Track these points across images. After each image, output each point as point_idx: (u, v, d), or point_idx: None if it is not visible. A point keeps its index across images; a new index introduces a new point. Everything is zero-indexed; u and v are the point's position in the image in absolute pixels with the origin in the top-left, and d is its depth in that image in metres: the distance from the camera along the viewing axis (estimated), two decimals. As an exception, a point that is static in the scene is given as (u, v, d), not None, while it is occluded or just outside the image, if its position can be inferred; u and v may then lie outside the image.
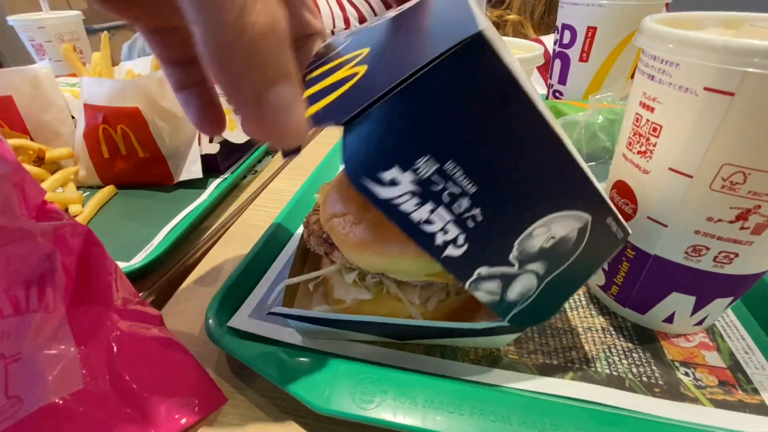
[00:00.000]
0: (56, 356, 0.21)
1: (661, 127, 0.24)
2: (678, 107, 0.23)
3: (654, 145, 0.25)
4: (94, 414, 0.21)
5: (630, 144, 0.27)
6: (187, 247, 0.42)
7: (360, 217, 0.26)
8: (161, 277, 0.38)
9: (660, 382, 0.26)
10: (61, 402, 0.21)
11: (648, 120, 0.25)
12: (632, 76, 0.53)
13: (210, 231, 0.44)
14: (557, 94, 0.62)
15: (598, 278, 0.32)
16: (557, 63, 0.60)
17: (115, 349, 0.23)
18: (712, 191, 0.23)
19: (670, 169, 0.24)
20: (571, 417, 0.22)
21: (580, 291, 0.34)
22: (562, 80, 0.60)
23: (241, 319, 0.30)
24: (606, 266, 0.31)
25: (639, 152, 0.26)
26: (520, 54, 0.45)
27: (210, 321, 0.28)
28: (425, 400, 0.22)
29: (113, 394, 0.22)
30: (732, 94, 0.20)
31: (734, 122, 0.20)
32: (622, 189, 0.28)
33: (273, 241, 0.37)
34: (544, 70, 0.70)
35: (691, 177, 0.23)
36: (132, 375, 0.23)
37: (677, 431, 0.21)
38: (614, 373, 0.27)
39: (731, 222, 0.23)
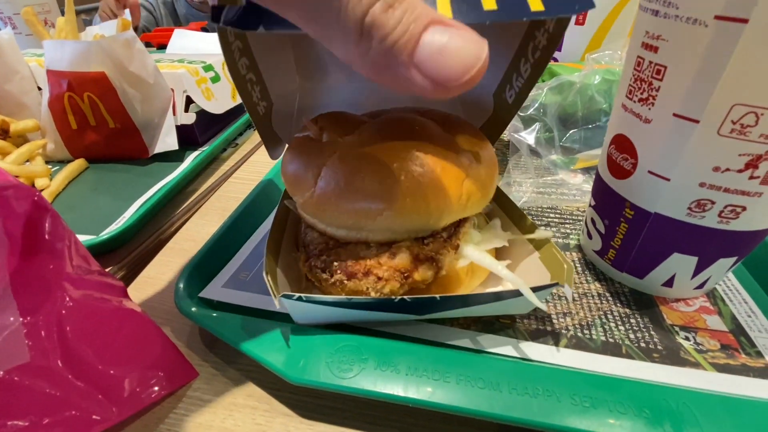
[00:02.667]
0: (-3, 327, 0.19)
1: (665, 68, 0.22)
2: (684, 43, 0.20)
3: (657, 90, 0.22)
4: (42, 389, 0.19)
5: (630, 92, 0.24)
6: (162, 221, 0.40)
7: (319, 172, 0.24)
8: (133, 250, 0.36)
9: (659, 348, 0.25)
10: (3, 375, 0.19)
11: (651, 62, 0.22)
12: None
13: (186, 204, 0.42)
14: (552, 61, 0.59)
15: (594, 243, 0.31)
16: (552, 27, 0.58)
17: (68, 320, 0.21)
18: (720, 137, 0.21)
19: (674, 115, 0.22)
20: (565, 383, 0.20)
21: (575, 257, 0.32)
22: (558, 46, 0.58)
23: (215, 290, 0.28)
24: (603, 230, 0.29)
25: (640, 100, 0.24)
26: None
27: (180, 290, 0.27)
28: (408, 368, 0.21)
29: (66, 369, 0.20)
30: (745, 21, 0.18)
31: (747, 53, 0.18)
32: (621, 143, 0.26)
33: (252, 212, 0.35)
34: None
35: (697, 122, 0.21)
36: (88, 348, 0.21)
37: (678, 395, 0.20)
38: (610, 339, 0.25)
39: (740, 171, 0.21)
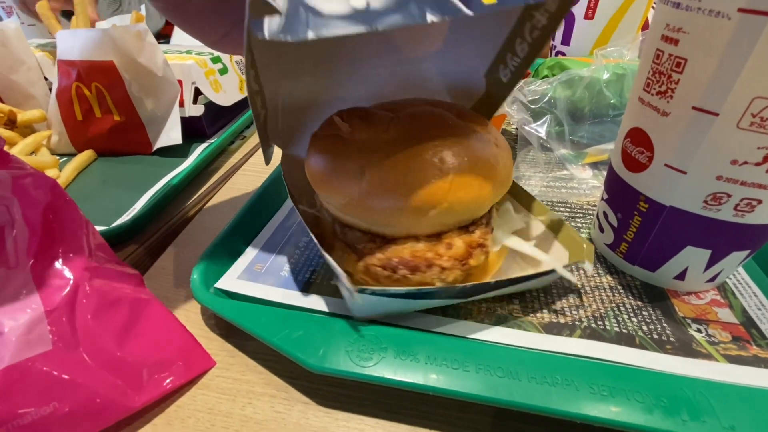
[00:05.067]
0: (20, 315, 0.19)
1: (685, 61, 0.22)
2: (706, 35, 0.20)
3: (676, 83, 0.22)
4: (65, 376, 0.19)
5: (648, 85, 0.24)
6: (172, 212, 0.40)
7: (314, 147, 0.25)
8: (144, 242, 0.36)
9: (672, 339, 0.25)
10: (28, 364, 0.19)
11: (671, 55, 0.22)
12: (642, 29, 0.51)
13: (195, 196, 0.42)
14: (560, 56, 0.59)
15: (605, 236, 0.31)
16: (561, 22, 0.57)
17: (88, 308, 0.21)
18: (739, 130, 0.21)
19: (694, 108, 0.22)
20: (583, 372, 0.20)
21: (587, 250, 0.32)
22: (566, 40, 0.58)
23: (231, 281, 0.28)
24: (615, 223, 0.29)
25: (658, 93, 0.24)
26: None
27: (196, 280, 0.27)
28: (428, 357, 0.21)
29: (87, 356, 0.20)
30: (771, 14, 0.18)
31: (771, 47, 0.18)
32: (638, 137, 0.26)
33: (262, 205, 0.35)
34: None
35: (716, 115, 0.21)
36: (108, 336, 0.21)
37: (694, 385, 0.20)
38: (624, 330, 0.26)
39: (757, 164, 0.21)
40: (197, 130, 0.49)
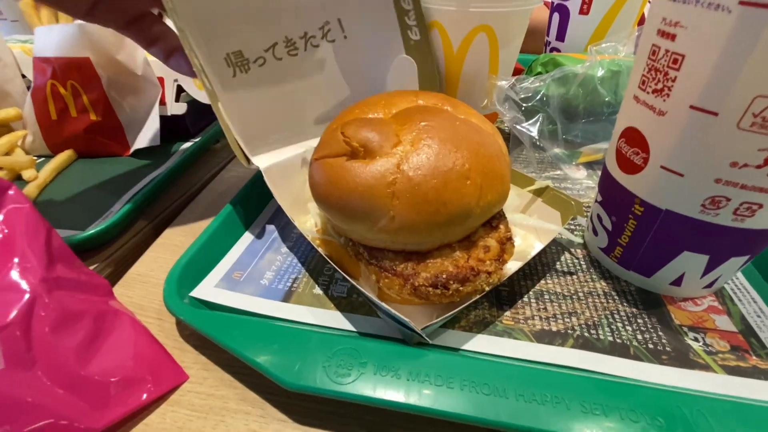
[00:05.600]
0: (-31, 331, 0.18)
1: (682, 57, 0.20)
2: (705, 30, 0.19)
3: (673, 80, 0.21)
4: (18, 397, 0.18)
5: (644, 83, 0.23)
6: (152, 215, 0.38)
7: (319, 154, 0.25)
8: (122, 246, 0.34)
9: (668, 349, 0.24)
10: (-23, 384, 0.17)
11: (667, 51, 0.21)
12: (638, 24, 0.50)
13: (177, 198, 0.41)
14: (555, 53, 0.58)
15: (599, 240, 0.30)
16: (555, 17, 0.56)
17: (46, 323, 0.20)
18: (740, 131, 0.19)
19: (692, 107, 0.21)
20: (575, 388, 0.19)
21: (580, 254, 0.31)
22: (561, 36, 0.56)
23: (206, 289, 0.27)
24: (610, 226, 0.28)
25: (654, 91, 0.22)
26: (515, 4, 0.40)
27: (170, 289, 0.25)
28: (410, 373, 0.20)
29: (44, 375, 0.19)
30: (774, 7, 0.17)
31: (775, 42, 0.17)
32: (633, 137, 0.25)
33: (245, 207, 0.34)
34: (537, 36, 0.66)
35: (715, 114, 0.20)
36: (69, 352, 0.20)
37: (691, 402, 0.19)
38: (618, 340, 0.25)
39: (758, 167, 0.20)
40: (180, 129, 0.47)
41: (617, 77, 0.39)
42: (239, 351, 0.21)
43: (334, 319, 0.25)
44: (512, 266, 0.26)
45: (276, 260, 0.30)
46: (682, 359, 0.24)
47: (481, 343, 0.24)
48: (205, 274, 0.28)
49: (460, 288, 0.22)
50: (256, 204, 0.35)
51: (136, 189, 0.39)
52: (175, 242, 0.34)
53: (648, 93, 0.23)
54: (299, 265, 0.30)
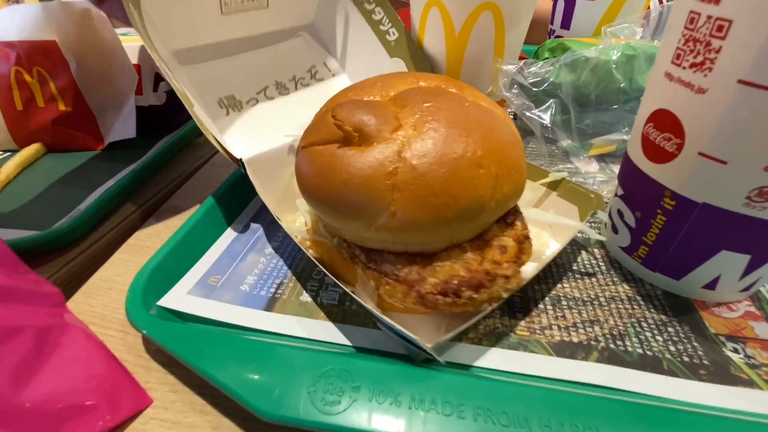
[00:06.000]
0: None
1: (729, 23, 0.17)
2: (762, -12, 0.16)
3: (717, 51, 0.18)
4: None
5: (678, 57, 0.20)
6: (123, 214, 0.35)
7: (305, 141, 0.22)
8: (87, 248, 0.31)
9: (705, 362, 0.21)
10: None
11: (709, 17, 0.18)
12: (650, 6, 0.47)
13: (152, 195, 0.37)
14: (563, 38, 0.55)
15: (620, 238, 0.27)
16: (560, 3, 0.53)
17: (-26, 341, 0.16)
18: (801, 108, 0.16)
19: (740, 81, 0.18)
20: (609, 416, 0.16)
21: (598, 255, 0.28)
22: (566, 24, 0.53)
23: (177, 297, 0.24)
24: (633, 223, 0.25)
25: (693, 65, 0.19)
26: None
27: (133, 299, 0.22)
28: (412, 399, 0.16)
29: (-34, 405, 0.15)
30: None
31: None
32: (664, 121, 0.22)
33: (227, 203, 0.31)
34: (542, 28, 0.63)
35: (770, 89, 0.17)
36: (4, 378, 0.17)
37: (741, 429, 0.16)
38: (648, 352, 0.22)
39: (820, 151, 0.17)
40: (161, 121, 0.44)
41: (632, 62, 0.36)
42: (208, 372, 0.18)
43: (324, 330, 0.22)
44: (527, 269, 0.23)
45: (259, 263, 0.27)
46: (723, 374, 0.21)
47: (493, 358, 0.21)
48: (177, 280, 0.25)
49: (474, 296, 0.19)
50: (240, 198, 0.32)
51: (107, 185, 0.36)
52: (148, 244, 0.30)
53: (684, 68, 0.20)
54: (285, 268, 0.26)
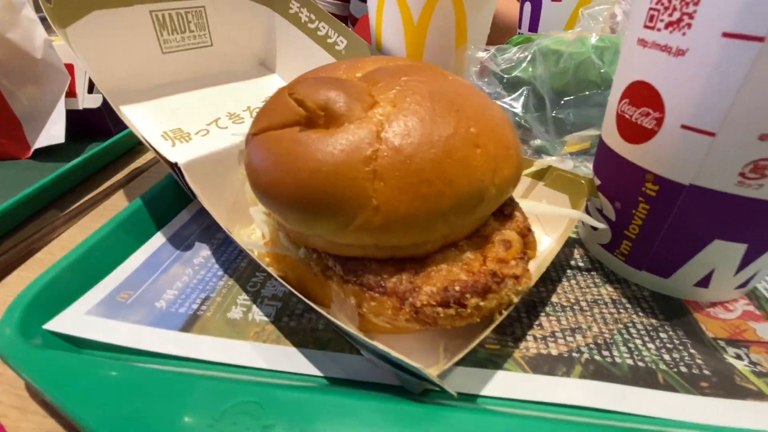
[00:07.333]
0: None
1: (708, -31, 0.15)
2: None
3: (696, 3, 0.16)
4: None
5: (652, 18, 0.18)
6: (41, 225, 0.30)
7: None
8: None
9: (706, 372, 0.18)
10: None
11: (685, -35, 0.16)
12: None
13: (78, 204, 0.33)
14: (531, 33, 0.54)
15: (600, 235, 0.24)
16: (527, 6, 0.52)
17: None
18: (798, 61, 0.14)
19: (725, 34, 0.15)
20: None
21: (577, 254, 0.25)
22: (533, 26, 0.52)
23: (73, 318, 0.19)
24: (613, 216, 0.22)
25: (669, 24, 0.17)
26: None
27: (9, 320, 0.17)
28: (341, 439, 0.12)
29: None
30: None
31: None
32: (640, 93, 0.19)
33: (158, 205, 0.27)
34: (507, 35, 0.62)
35: (761, 41, 0.14)
36: None
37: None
38: (640, 363, 0.18)
39: (823, 113, 0.15)
40: (98, 126, 0.40)
41: (611, 52, 0.34)
42: (74, 411, 0.13)
43: (251, 354, 0.18)
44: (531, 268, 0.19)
45: (184, 275, 0.23)
46: (728, 386, 0.17)
47: (456, 380, 0.17)
48: (78, 296, 0.20)
49: (481, 303, 0.15)
50: (174, 201, 0.28)
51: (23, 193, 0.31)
52: (59, 257, 0.26)
53: (659, 30, 0.17)
54: (215, 280, 0.22)
